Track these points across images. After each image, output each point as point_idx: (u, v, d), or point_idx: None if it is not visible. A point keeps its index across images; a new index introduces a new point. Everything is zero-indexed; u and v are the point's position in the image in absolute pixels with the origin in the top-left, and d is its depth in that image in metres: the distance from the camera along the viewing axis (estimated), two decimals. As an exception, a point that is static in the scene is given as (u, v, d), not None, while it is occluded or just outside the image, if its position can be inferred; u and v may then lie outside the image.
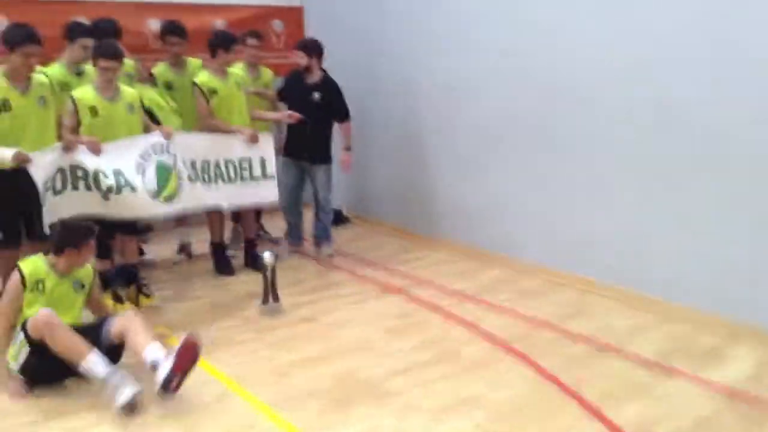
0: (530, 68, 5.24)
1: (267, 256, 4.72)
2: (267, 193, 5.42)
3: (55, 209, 4.28)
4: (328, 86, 5.93)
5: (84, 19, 5.91)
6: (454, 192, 6.13)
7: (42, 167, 4.20)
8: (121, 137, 4.65)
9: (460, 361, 3.96)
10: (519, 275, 5.44)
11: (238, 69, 5.77)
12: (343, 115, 5.99)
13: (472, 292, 5.09)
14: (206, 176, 5.07)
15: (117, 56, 4.60)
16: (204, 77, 5.35)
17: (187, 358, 3.44)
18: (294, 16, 7.73)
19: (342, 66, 7.19)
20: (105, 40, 4.74)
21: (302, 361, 4.00)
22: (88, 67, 4.96)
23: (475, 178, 5.91)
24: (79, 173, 4.41)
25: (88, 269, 3.98)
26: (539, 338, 4.26)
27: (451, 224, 6.21)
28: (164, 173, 4.73)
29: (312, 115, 5.72)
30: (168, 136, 4.80)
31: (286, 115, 5.70)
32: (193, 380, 3.71)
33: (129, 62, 5.35)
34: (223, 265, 5.66)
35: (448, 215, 6.25)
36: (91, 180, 4.43)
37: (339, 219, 7.04)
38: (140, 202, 4.61)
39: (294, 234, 6.24)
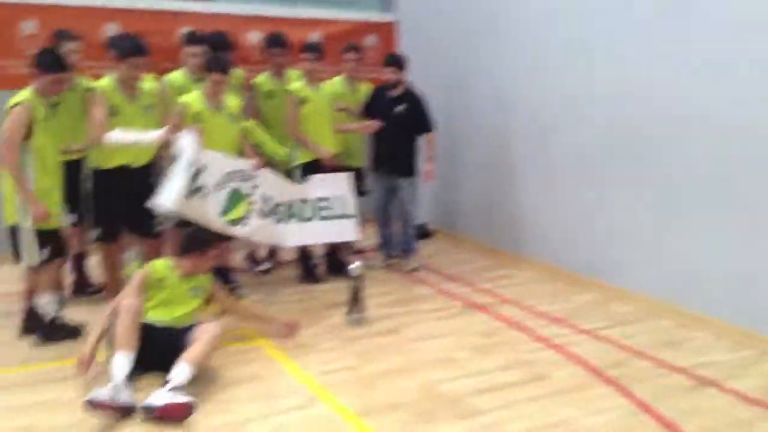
0: (632, 87, 5.05)
1: (355, 267, 4.71)
2: (347, 231, 5.52)
3: (176, 205, 4.45)
4: (412, 98, 5.94)
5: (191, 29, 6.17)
6: (544, 211, 5.98)
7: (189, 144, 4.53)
8: (220, 144, 4.84)
9: (550, 384, 3.82)
10: (611, 301, 5.23)
11: (336, 82, 5.86)
12: (427, 126, 5.98)
13: (561, 315, 4.93)
14: (280, 215, 5.20)
15: (228, 70, 4.85)
16: (297, 86, 5.51)
17: (174, 413, 3.29)
18: (386, 31, 7.78)
19: (433, 81, 7.19)
20: (219, 54, 4.97)
21: (386, 372, 3.96)
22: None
23: (567, 198, 5.74)
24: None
25: (208, 279, 4.14)
26: (634, 367, 4.06)
27: (540, 243, 6.06)
28: (236, 198, 4.90)
29: (395, 128, 5.75)
30: (256, 168, 4.98)
31: (367, 125, 5.75)
32: (281, 384, 3.76)
33: (238, 72, 5.60)
34: (308, 274, 5.70)
35: (537, 234, 6.10)
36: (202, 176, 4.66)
37: (423, 233, 7.01)
38: (208, 213, 4.73)
39: (386, 246, 6.26)
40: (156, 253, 4.70)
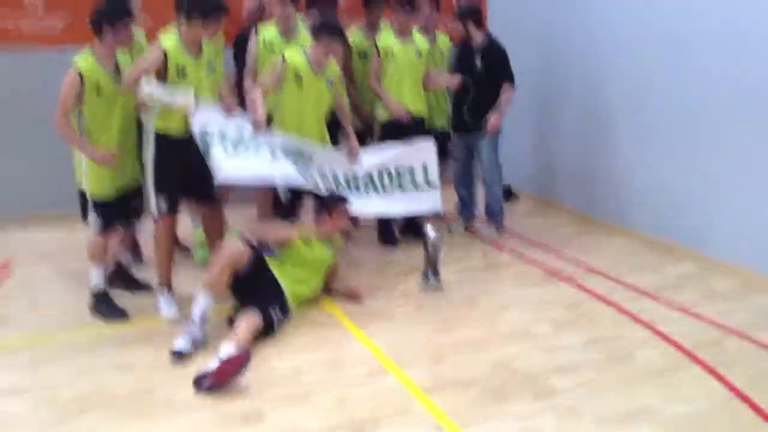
0: (751, 29, 4.48)
1: (430, 231, 4.54)
2: (430, 202, 5.18)
3: (230, 168, 4.17)
4: (491, 51, 5.57)
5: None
6: (639, 175, 5.57)
7: (208, 119, 4.19)
8: (314, 110, 4.72)
9: (634, 364, 3.56)
10: (709, 274, 4.84)
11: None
12: (505, 79, 5.57)
13: (652, 288, 4.60)
14: (355, 187, 4.89)
15: (341, 37, 4.64)
16: (387, 41, 5.29)
17: (228, 370, 3.28)
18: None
19: (523, 35, 6.83)
20: (330, 18, 4.69)
21: (459, 344, 3.80)
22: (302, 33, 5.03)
23: (665, 162, 5.30)
24: (246, 133, 4.38)
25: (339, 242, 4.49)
26: (729, 348, 3.73)
27: (634, 209, 5.67)
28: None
29: (475, 84, 5.48)
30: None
31: (450, 78, 5.48)
32: (349, 352, 3.69)
33: None
34: (387, 236, 5.57)
35: (631, 199, 5.70)
36: (259, 141, 4.40)
37: (506, 195, 6.72)
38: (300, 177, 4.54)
39: (465, 209, 6.02)
40: (218, 218, 4.55)
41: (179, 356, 3.58)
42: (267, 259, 4.10)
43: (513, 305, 4.35)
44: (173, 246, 4.36)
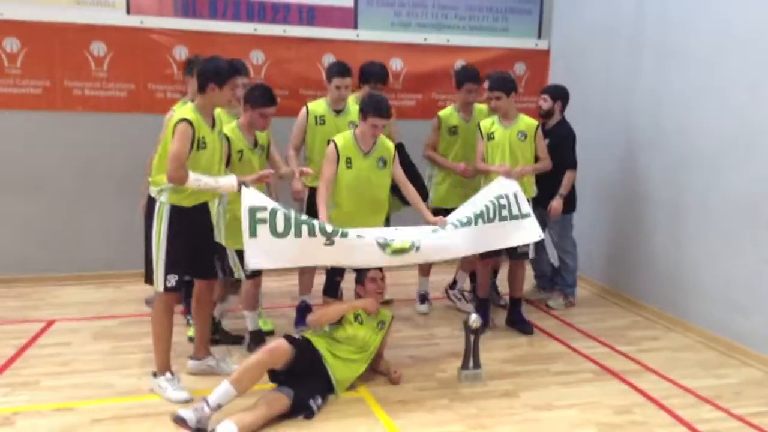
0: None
1: (472, 318, 4.34)
2: (531, 230, 4.91)
3: (262, 254, 3.96)
4: (561, 132, 5.63)
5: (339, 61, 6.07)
6: (704, 267, 5.24)
7: (254, 198, 4.01)
8: (368, 191, 4.57)
9: (684, 485, 3.24)
10: (774, 380, 4.49)
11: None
12: (567, 164, 5.63)
13: (712, 393, 4.25)
14: (456, 223, 4.60)
15: (389, 116, 4.56)
16: (487, 122, 5.32)
17: None
18: (539, 60, 7.34)
19: (586, 114, 6.68)
20: (378, 97, 4.55)
21: (494, 445, 3.55)
22: (352, 105, 5.08)
23: (732, 254, 4.99)
24: (303, 217, 4.15)
25: (389, 314, 4.43)
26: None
27: (697, 304, 5.31)
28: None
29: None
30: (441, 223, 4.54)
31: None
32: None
33: None
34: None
35: (695, 293, 5.34)
36: (316, 224, 4.07)
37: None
38: (366, 250, 4.21)
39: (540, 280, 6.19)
40: (210, 293, 4.35)
41: (181, 421, 3.45)
42: (317, 342, 4.00)
43: (557, 404, 4.06)
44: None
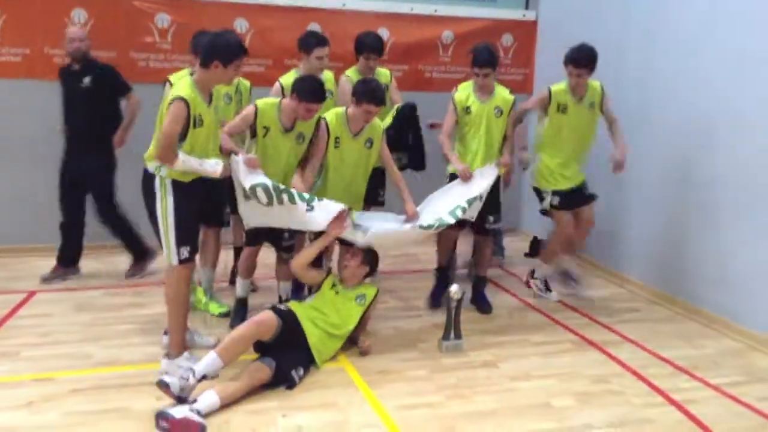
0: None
1: (453, 289, 4.35)
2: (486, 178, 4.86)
3: (256, 216, 4.31)
4: None
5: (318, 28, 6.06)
6: (685, 242, 5.26)
7: (243, 173, 4.18)
8: (353, 171, 4.60)
9: (658, 453, 3.29)
10: (753, 352, 4.53)
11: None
12: None
13: (689, 363, 4.30)
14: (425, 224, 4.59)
15: (383, 103, 4.48)
16: (462, 95, 5.03)
17: (185, 430, 3.24)
18: (527, 31, 7.28)
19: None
20: (374, 83, 4.48)
21: (472, 414, 3.58)
22: (327, 75, 5.06)
23: (713, 229, 5.03)
24: (282, 187, 4.22)
25: (373, 289, 4.39)
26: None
27: (677, 278, 5.34)
28: None
29: None
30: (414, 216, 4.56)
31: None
32: (356, 416, 3.54)
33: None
34: (435, 296, 5.18)
35: (675, 268, 5.39)
36: (295, 192, 4.19)
37: (536, 249, 6.53)
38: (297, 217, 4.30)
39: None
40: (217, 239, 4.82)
41: (164, 386, 3.44)
42: (300, 313, 4.00)
43: (536, 374, 4.10)
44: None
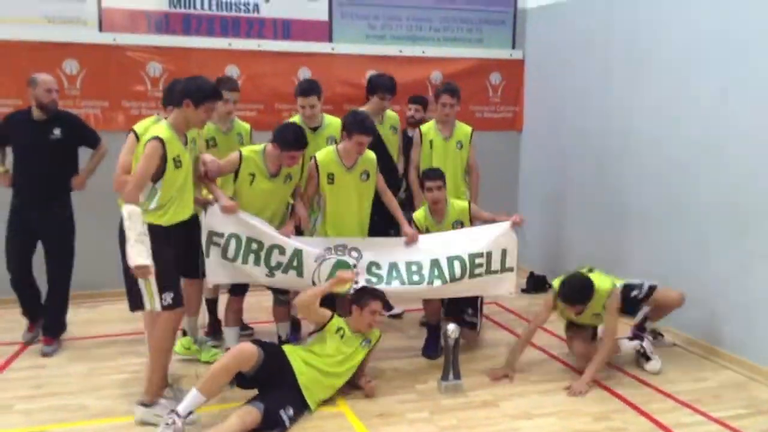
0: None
1: (450, 329, 4.33)
2: (503, 286, 4.81)
3: (219, 270, 4.38)
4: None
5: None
6: (682, 271, 5.27)
7: (220, 221, 4.29)
8: (352, 204, 4.66)
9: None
10: (753, 383, 4.50)
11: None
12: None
13: (690, 397, 4.27)
14: (416, 278, 4.59)
15: (373, 132, 4.59)
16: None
17: None
18: (514, 69, 7.38)
19: (560, 123, 6.74)
20: (361, 115, 4.61)
21: (474, 456, 3.54)
22: (327, 120, 5.12)
23: (707, 259, 5.04)
24: (254, 246, 4.37)
25: (377, 332, 4.36)
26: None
27: (678, 310, 5.29)
28: (342, 269, 4.46)
29: None
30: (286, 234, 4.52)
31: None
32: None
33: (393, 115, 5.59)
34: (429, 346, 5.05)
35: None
36: (263, 254, 4.38)
37: (538, 284, 6.54)
38: (300, 286, 4.46)
39: None
40: (198, 290, 4.65)
41: None
42: (290, 353, 3.98)
43: (537, 412, 4.06)
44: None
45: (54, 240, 4.99)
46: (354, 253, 4.57)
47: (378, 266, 4.59)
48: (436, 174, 4.86)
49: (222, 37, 6.42)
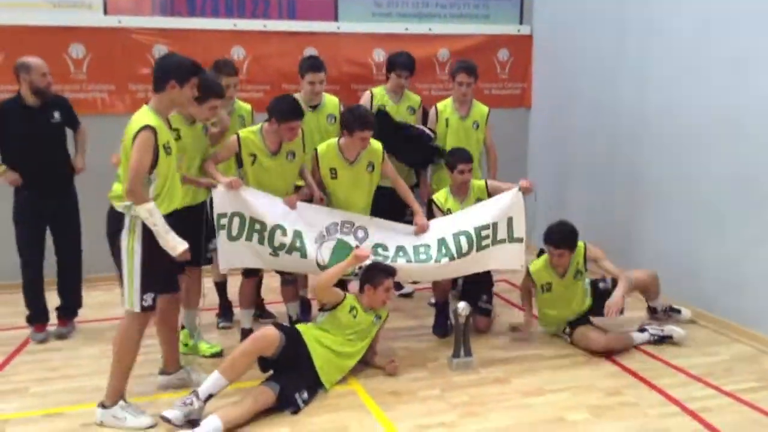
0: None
1: (461, 307, 4.33)
2: (511, 258, 4.74)
3: (228, 256, 4.40)
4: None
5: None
6: (693, 245, 5.26)
7: (225, 201, 4.30)
8: (356, 196, 4.66)
9: (676, 464, 3.25)
10: (766, 357, 4.50)
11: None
12: None
13: (700, 372, 4.26)
14: (423, 257, 4.55)
15: (374, 127, 4.52)
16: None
17: None
18: (522, 45, 7.31)
19: (570, 99, 6.68)
20: (361, 110, 4.60)
21: (486, 432, 3.55)
22: (327, 98, 5.11)
23: (720, 231, 5.01)
24: (257, 226, 4.38)
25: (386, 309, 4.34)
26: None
27: (685, 282, 5.32)
28: (342, 252, 4.40)
29: None
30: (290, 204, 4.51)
31: None
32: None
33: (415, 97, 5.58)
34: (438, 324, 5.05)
35: (682, 271, 5.35)
36: (266, 234, 4.38)
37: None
38: (306, 267, 4.55)
39: None
40: (198, 281, 4.51)
41: (166, 421, 3.45)
42: (305, 332, 3.99)
43: (549, 388, 4.07)
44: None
45: (67, 224, 5.00)
46: (360, 233, 4.56)
47: (385, 248, 4.56)
48: (467, 157, 4.85)
49: (227, 18, 6.39)
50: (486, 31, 7.16)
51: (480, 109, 5.43)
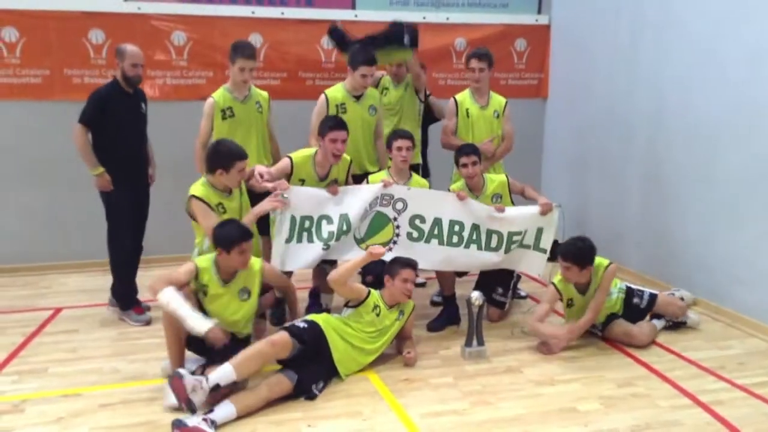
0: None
1: (474, 296, 4.35)
2: (532, 265, 4.90)
3: (285, 259, 4.53)
4: None
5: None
6: (709, 237, 5.24)
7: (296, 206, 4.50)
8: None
9: (687, 456, 3.26)
10: (779, 350, 4.50)
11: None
12: None
13: (713, 365, 4.27)
14: (455, 239, 4.69)
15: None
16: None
17: None
18: (540, 35, 7.28)
19: (586, 90, 6.65)
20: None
21: (497, 421, 3.57)
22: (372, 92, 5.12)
23: (736, 224, 5.00)
24: (306, 224, 4.53)
25: (411, 303, 4.39)
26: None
27: (699, 276, 5.32)
28: (379, 224, 4.62)
29: None
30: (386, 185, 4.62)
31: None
32: (382, 425, 3.54)
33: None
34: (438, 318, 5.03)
35: (696, 264, 5.36)
36: (314, 229, 4.53)
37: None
38: (349, 247, 4.63)
39: None
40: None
41: (178, 378, 3.47)
42: (327, 325, 3.98)
43: (560, 378, 4.09)
44: None
45: (146, 209, 5.19)
46: (399, 205, 4.62)
47: (422, 219, 4.65)
48: (470, 149, 4.84)
49: (245, 5, 6.41)
50: (504, 21, 7.14)
51: (498, 99, 5.41)
